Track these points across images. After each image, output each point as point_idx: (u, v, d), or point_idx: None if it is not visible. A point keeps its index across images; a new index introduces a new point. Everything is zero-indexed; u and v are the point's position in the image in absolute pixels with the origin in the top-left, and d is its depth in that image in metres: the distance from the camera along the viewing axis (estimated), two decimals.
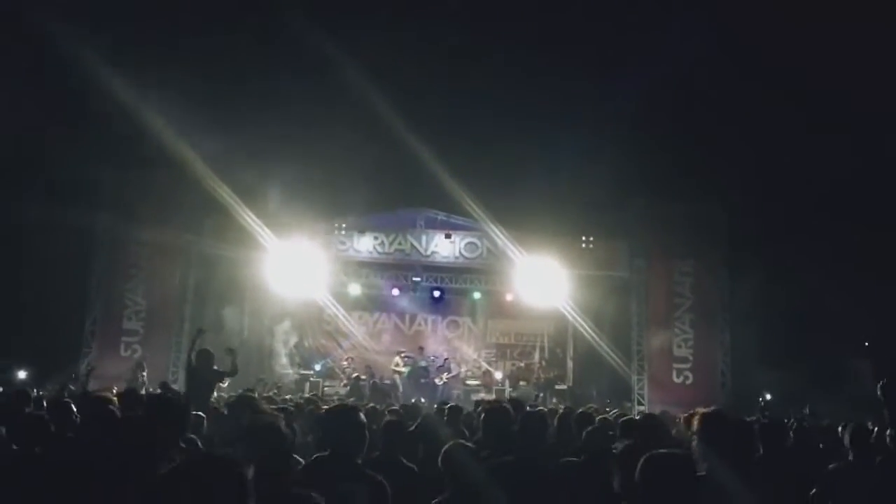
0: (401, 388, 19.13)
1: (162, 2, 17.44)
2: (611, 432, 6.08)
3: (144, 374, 16.44)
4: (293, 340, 21.04)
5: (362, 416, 4.20)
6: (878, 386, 5.20)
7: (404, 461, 4.72)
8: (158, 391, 12.02)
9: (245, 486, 2.20)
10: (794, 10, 15.80)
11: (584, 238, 19.19)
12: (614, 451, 4.74)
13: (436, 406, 10.10)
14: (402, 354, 20.20)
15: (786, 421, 9.13)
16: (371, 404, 10.63)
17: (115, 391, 9.87)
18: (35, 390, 10.03)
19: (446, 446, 4.09)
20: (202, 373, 9.71)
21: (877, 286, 16.84)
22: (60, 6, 15.15)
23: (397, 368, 19.85)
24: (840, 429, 7.36)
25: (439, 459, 4.00)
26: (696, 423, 3.92)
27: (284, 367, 20.46)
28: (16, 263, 17.20)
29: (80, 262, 18.15)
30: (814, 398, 14.33)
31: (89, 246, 18.17)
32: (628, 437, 5.60)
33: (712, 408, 4.09)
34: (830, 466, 5.07)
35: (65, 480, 3.66)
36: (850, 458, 5.15)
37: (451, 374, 20.11)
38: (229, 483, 2.18)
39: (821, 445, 7.52)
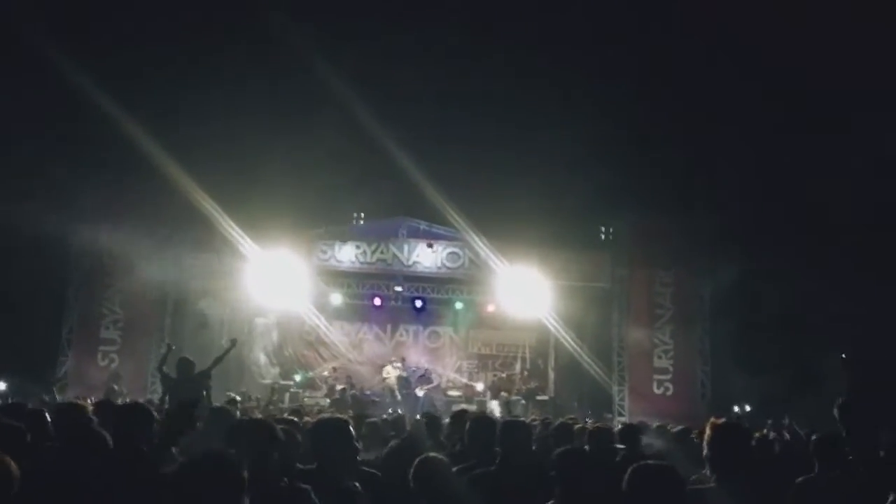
0: (388, 398, 18.96)
1: (145, 10, 17.34)
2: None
3: (116, 385, 16.24)
4: (272, 344, 20.87)
5: (352, 428, 4.16)
6: (835, 407, 5.11)
7: (365, 469, 4.67)
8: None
9: (241, 483, 2.43)
10: (782, 15, 16.00)
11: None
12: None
13: (418, 416, 10.05)
14: (394, 363, 19.98)
15: (764, 431, 9.16)
16: (351, 414, 10.55)
17: (91, 401, 9.75)
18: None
19: (419, 458, 4.03)
20: (185, 382, 9.56)
21: (863, 293, 16.99)
22: (43, 13, 15.08)
23: (388, 377, 19.65)
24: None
25: (410, 472, 3.94)
26: (707, 432, 3.91)
27: (264, 376, 20.24)
28: None
29: (58, 269, 17.94)
30: (797, 407, 14.40)
31: (68, 253, 17.98)
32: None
33: (723, 419, 4.08)
34: (798, 480, 4.97)
35: (48, 492, 3.60)
36: (816, 469, 5.03)
37: (431, 385, 20.03)
38: (227, 479, 2.41)
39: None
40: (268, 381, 19.95)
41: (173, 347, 11.56)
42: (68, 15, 16.58)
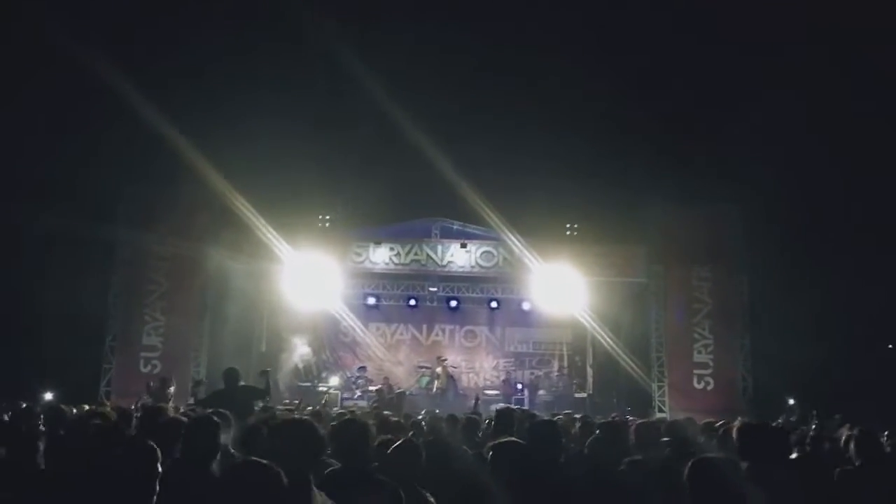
0: (426, 398, 18.91)
1: (181, 16, 17.60)
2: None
3: (172, 389, 16.40)
4: (310, 352, 21.03)
5: (372, 428, 4.23)
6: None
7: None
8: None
9: (282, 488, 2.55)
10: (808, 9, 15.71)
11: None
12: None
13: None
14: (444, 362, 20.04)
15: (804, 427, 9.01)
16: (388, 413, 10.59)
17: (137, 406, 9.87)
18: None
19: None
20: (232, 394, 9.06)
21: None
22: (81, 22, 15.39)
23: (440, 377, 19.65)
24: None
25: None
26: (734, 435, 3.98)
27: (303, 380, 20.38)
28: (37, 279, 17.37)
29: (100, 277, 18.28)
30: (840, 402, 14.13)
31: (109, 261, 18.33)
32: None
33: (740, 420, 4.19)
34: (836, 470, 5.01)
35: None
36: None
37: (459, 384, 20.10)
38: (270, 484, 2.53)
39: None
40: (307, 384, 20.11)
41: (203, 383, 11.30)
42: (110, 24, 16.92)
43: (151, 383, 16.10)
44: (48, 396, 16.61)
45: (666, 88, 18.26)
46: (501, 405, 8.71)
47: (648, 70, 18.74)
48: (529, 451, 4.35)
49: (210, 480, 3.91)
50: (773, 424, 9.50)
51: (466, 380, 21.21)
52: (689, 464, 3.18)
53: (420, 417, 10.40)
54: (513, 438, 4.45)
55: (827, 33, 16.25)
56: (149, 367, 17.90)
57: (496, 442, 4.26)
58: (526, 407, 18.65)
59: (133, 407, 10.14)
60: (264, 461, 2.66)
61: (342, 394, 19.49)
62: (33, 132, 16.51)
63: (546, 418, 6.02)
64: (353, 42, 16.58)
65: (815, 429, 9.63)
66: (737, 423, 4.58)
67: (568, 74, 18.59)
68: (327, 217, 19.33)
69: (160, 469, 3.21)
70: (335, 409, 15.03)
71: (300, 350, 20.77)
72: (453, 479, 4.35)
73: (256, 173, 17.43)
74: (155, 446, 3.28)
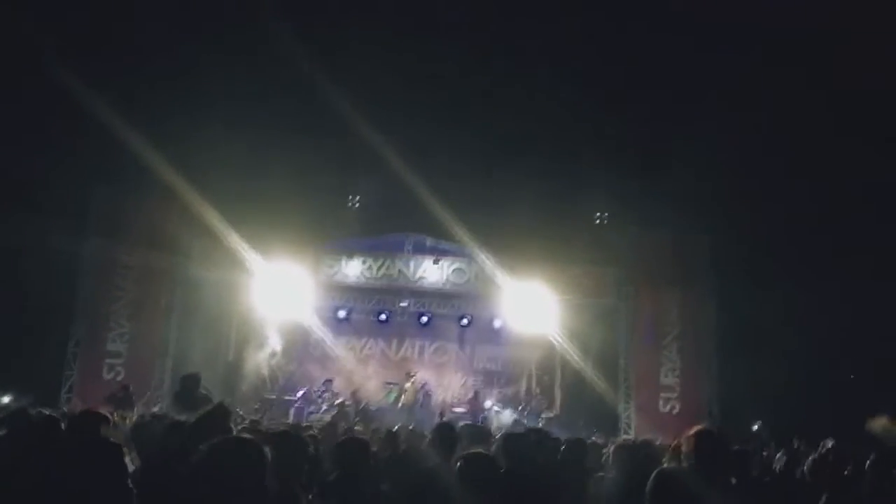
0: (393, 413, 18.81)
1: (151, 25, 17.47)
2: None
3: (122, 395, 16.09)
4: (276, 361, 20.79)
5: (372, 446, 4.36)
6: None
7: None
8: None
9: (266, 463, 2.46)
10: (777, 33, 16.03)
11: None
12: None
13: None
14: (413, 378, 19.87)
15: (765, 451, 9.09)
16: (358, 429, 10.54)
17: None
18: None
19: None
20: (189, 400, 9.33)
21: (868, 309, 16.91)
22: (52, 30, 15.23)
23: (407, 392, 19.52)
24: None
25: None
26: (689, 442, 3.92)
27: (269, 391, 20.16)
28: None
29: (66, 283, 17.97)
30: (807, 425, 14.28)
31: (75, 267, 18.04)
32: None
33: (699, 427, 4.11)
34: None
35: None
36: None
37: (432, 401, 20.02)
38: (255, 459, 2.44)
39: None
40: (272, 396, 19.88)
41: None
42: (76, 32, 16.74)
43: (118, 394, 15.80)
44: (6, 399, 16.24)
45: (638, 112, 18.48)
46: (441, 421, 8.72)
47: (621, 92, 18.96)
48: (500, 465, 4.34)
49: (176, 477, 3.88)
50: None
51: (434, 396, 21.11)
52: (652, 476, 3.20)
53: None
54: (481, 451, 4.44)
55: (788, 55, 16.59)
56: (112, 374, 17.64)
57: (465, 454, 4.25)
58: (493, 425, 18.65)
59: None
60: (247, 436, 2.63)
61: (308, 408, 19.28)
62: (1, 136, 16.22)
63: (518, 432, 6.01)
64: (327, 56, 16.61)
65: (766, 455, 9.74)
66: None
67: (542, 94, 18.78)
68: (300, 228, 19.20)
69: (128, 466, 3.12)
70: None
71: (268, 357, 20.50)
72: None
73: (228, 183, 17.30)
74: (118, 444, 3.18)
